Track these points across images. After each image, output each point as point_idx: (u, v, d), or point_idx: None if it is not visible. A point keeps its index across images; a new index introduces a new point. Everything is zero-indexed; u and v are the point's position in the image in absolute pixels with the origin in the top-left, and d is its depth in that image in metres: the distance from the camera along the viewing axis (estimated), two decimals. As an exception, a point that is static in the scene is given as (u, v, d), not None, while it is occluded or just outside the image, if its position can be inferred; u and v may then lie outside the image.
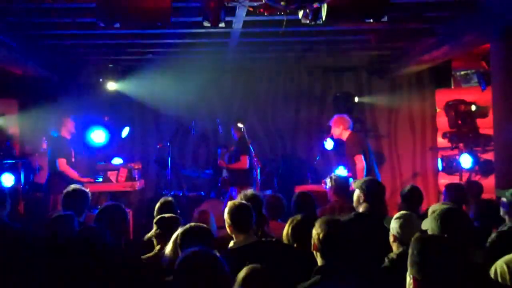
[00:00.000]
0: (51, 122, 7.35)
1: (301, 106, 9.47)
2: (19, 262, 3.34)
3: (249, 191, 4.47)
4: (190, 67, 9.18)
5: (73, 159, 7.14)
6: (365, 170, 6.82)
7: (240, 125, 7.76)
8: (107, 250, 3.10)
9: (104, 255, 3.12)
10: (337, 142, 8.73)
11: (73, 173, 6.92)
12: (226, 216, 3.82)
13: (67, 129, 7.19)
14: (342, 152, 7.55)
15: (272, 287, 2.45)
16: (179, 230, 3.44)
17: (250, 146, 7.53)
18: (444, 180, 7.95)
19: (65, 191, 4.78)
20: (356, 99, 9.02)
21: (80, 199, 4.71)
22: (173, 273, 2.36)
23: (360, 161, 6.90)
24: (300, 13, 4.54)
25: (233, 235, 3.86)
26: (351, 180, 7.44)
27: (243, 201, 4.05)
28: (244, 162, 7.72)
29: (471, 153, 7.35)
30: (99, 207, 4.87)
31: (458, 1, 5.78)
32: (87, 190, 4.91)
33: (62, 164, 6.85)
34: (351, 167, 7.10)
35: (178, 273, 2.33)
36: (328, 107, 9.38)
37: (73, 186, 4.91)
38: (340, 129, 7.24)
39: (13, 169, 7.74)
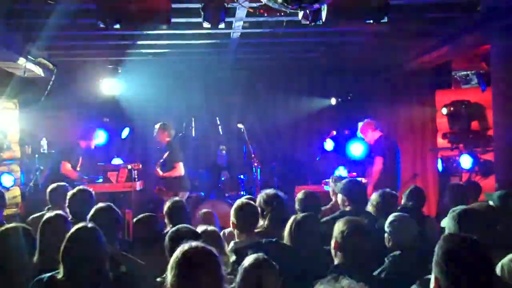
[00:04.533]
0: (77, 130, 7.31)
1: (301, 106, 9.46)
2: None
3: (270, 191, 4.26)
4: (190, 68, 9.19)
5: (78, 168, 7.12)
6: (381, 173, 6.56)
7: (240, 125, 7.73)
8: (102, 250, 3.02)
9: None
10: (337, 143, 8.74)
11: (74, 176, 6.94)
12: (232, 214, 3.84)
13: (90, 143, 7.23)
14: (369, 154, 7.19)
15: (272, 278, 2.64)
16: None
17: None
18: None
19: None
20: None
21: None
22: (169, 267, 2.36)
23: (378, 164, 6.65)
24: (300, 14, 4.54)
25: (236, 234, 3.87)
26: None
27: (250, 201, 4.04)
28: (179, 169, 7.58)
29: (471, 153, 7.32)
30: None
31: (458, 2, 5.78)
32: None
33: (65, 166, 6.88)
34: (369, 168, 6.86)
35: (175, 267, 2.34)
36: (328, 107, 9.39)
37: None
38: (369, 133, 7.00)
39: (13, 169, 7.73)
